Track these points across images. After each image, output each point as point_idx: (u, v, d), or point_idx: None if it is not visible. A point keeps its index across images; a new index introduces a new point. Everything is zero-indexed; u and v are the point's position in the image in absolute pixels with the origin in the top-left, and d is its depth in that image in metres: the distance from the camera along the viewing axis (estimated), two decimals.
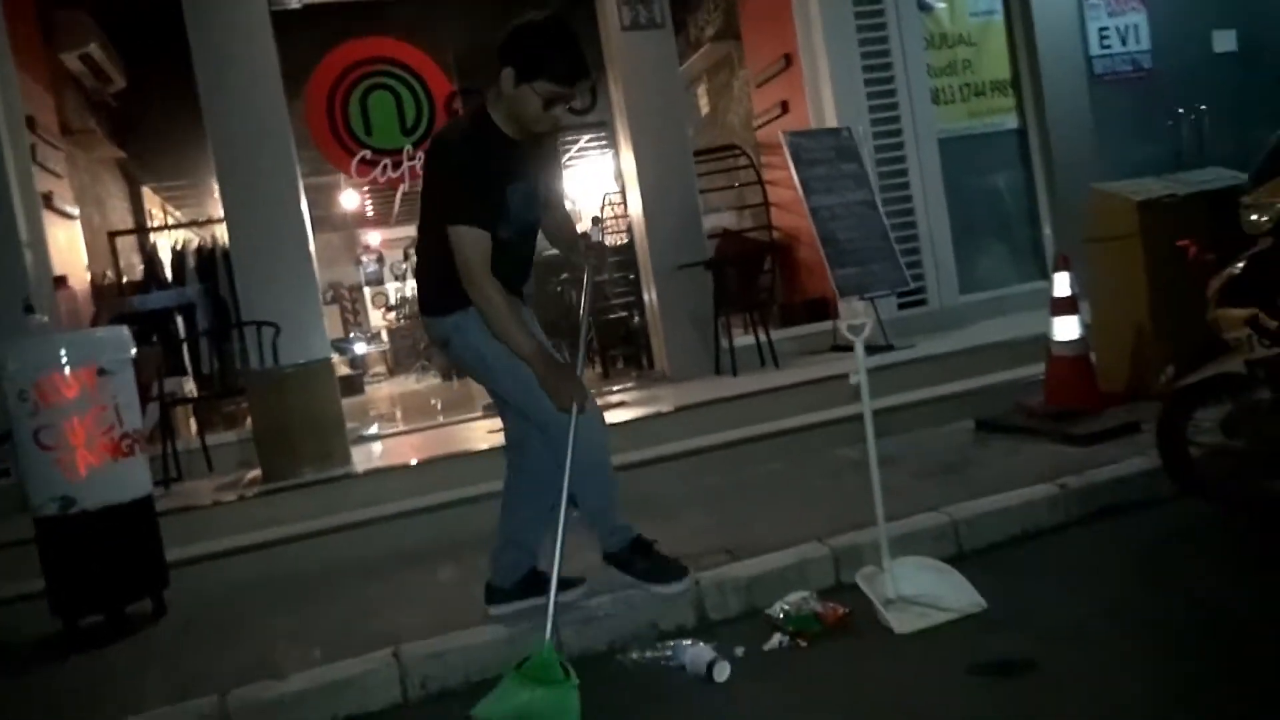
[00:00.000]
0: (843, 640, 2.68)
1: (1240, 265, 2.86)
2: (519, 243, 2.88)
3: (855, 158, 6.51)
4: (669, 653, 2.71)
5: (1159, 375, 3.25)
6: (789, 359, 6.23)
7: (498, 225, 2.73)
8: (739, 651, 2.68)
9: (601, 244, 3.02)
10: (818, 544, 3.17)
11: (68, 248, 6.55)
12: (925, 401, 4.95)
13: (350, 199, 12.50)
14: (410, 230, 17.79)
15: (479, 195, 2.69)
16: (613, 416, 5.21)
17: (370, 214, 15.62)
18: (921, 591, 2.82)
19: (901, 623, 2.69)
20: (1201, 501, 3.25)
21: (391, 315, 17.06)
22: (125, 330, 3.63)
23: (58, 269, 5.85)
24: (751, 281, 6.77)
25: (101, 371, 3.44)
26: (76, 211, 6.99)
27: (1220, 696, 2.13)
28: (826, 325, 6.64)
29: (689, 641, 2.73)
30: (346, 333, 16.27)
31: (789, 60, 7.17)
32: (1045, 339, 4.47)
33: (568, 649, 2.84)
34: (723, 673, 2.56)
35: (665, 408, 5.28)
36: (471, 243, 2.68)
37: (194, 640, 3.26)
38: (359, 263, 18.10)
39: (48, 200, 6.05)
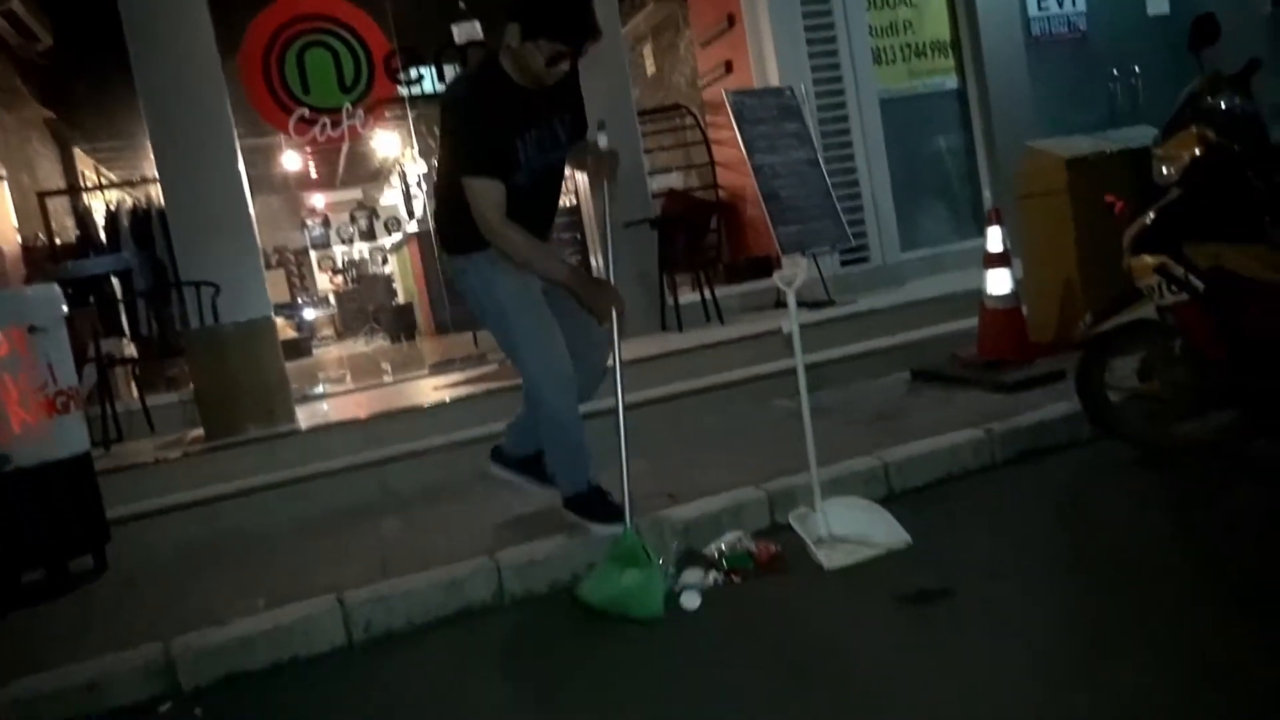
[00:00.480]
0: (775, 577, 2.78)
1: (1151, 215, 2.98)
2: (539, 186, 2.94)
3: (798, 117, 6.57)
4: None
5: (1079, 324, 3.37)
6: (733, 315, 6.32)
7: (512, 173, 2.82)
8: (677, 590, 2.77)
9: (614, 150, 3.05)
10: (753, 488, 3.26)
11: None
12: (864, 354, 5.07)
13: (292, 160, 12.27)
14: (355, 193, 17.56)
15: (488, 147, 2.78)
16: None
17: (314, 176, 15.34)
18: (851, 530, 2.93)
19: (831, 559, 2.80)
20: (1118, 444, 3.41)
21: (339, 279, 16.83)
22: (56, 288, 3.58)
23: None
24: (697, 240, 6.83)
25: (32, 329, 3.40)
26: (3, 172, 6.79)
27: (1125, 620, 2.26)
28: (770, 282, 6.70)
29: None
30: (293, 297, 16.03)
31: (732, 20, 7.18)
32: (980, 292, 4.60)
33: (508, 591, 2.92)
34: (691, 601, 2.66)
35: (611, 362, 5.32)
36: (483, 193, 2.79)
37: (136, 594, 3.27)
38: (304, 226, 17.80)
39: None
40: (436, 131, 12.29)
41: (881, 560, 2.78)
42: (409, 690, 2.46)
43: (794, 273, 3.01)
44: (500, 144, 2.79)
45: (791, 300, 2.96)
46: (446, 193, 2.97)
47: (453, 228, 3.02)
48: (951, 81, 7.37)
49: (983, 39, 7.16)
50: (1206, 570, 2.44)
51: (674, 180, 8.29)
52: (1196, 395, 3.19)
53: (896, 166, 7.08)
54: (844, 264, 6.76)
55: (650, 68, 10.13)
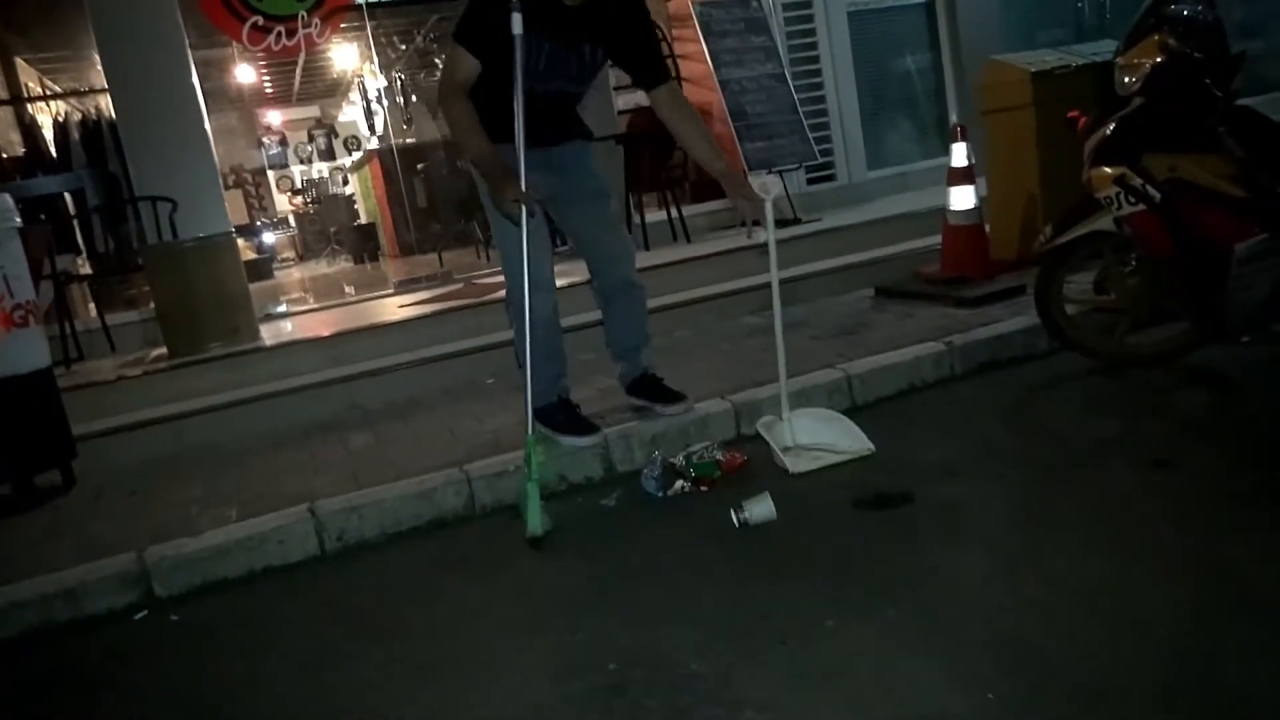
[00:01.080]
0: (741, 484, 2.86)
1: (1111, 126, 3.00)
2: (539, 106, 2.80)
3: (765, 30, 6.50)
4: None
5: (1039, 237, 3.43)
6: (700, 234, 6.32)
7: (501, 66, 2.72)
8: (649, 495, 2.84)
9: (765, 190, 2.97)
10: (720, 400, 3.32)
11: None
12: (829, 271, 5.11)
13: (246, 74, 11.87)
14: (313, 110, 17.06)
15: (488, 19, 2.70)
16: None
17: (270, 91, 14.87)
18: (816, 439, 3.00)
19: (796, 465, 2.88)
20: (1075, 356, 3.50)
21: (298, 200, 16.48)
22: (8, 198, 3.49)
23: None
24: (663, 158, 6.77)
25: None
26: None
27: (1076, 513, 2.36)
28: None
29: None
30: (251, 218, 15.69)
31: None
32: (944, 209, 4.64)
33: (479, 500, 2.97)
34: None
35: (577, 279, 5.31)
36: (454, 62, 2.78)
37: (106, 508, 3.28)
38: (261, 145, 17.31)
39: None
40: (398, 42, 11.82)
41: (843, 466, 2.87)
42: (383, 595, 2.52)
43: (774, 182, 3.01)
44: (499, 29, 2.67)
45: (769, 209, 2.96)
46: (440, 77, 2.97)
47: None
48: None
49: None
50: (1153, 466, 2.55)
51: (639, 97, 8.15)
52: (1150, 306, 3.28)
53: (864, 83, 7.04)
54: (810, 182, 6.76)
55: None
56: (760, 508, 2.53)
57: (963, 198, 4.52)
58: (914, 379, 3.53)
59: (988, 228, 4.66)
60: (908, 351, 3.60)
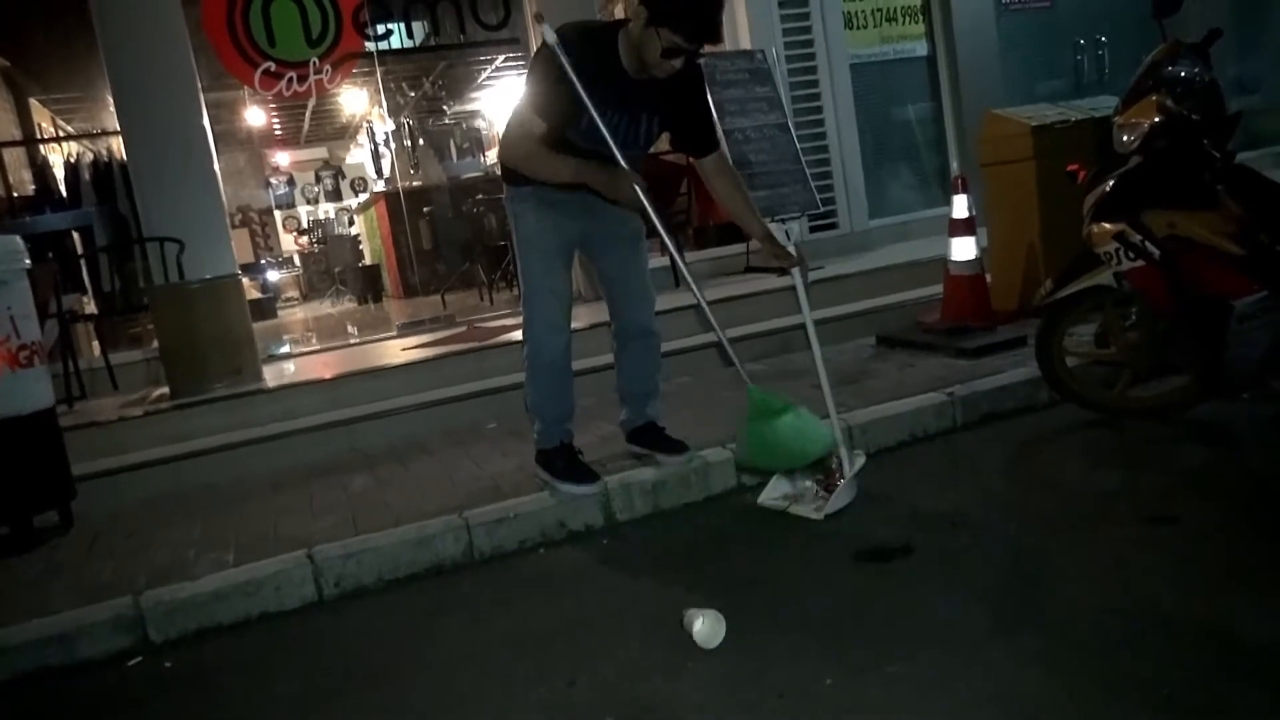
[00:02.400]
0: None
1: (1111, 183, 3.04)
2: (596, 158, 2.83)
3: (769, 81, 6.58)
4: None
5: (1040, 290, 3.45)
6: (702, 280, 6.31)
7: (569, 138, 2.80)
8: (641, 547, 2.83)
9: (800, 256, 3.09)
10: (721, 449, 3.32)
11: None
12: (831, 319, 5.11)
13: (256, 116, 12.04)
14: (321, 151, 17.27)
15: (556, 95, 2.73)
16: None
17: (279, 133, 15.07)
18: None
19: (819, 509, 2.88)
20: (1076, 408, 3.50)
21: (304, 239, 16.60)
22: (18, 239, 3.52)
23: None
24: (666, 204, 6.84)
25: None
26: None
27: (1073, 571, 2.35)
28: (740, 248, 6.76)
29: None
30: (257, 257, 15.80)
31: None
32: (945, 260, 4.67)
33: (478, 548, 2.96)
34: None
35: (579, 325, 5.33)
36: (526, 123, 2.79)
37: (104, 549, 3.26)
38: (268, 185, 17.50)
39: None
40: (406, 88, 11.93)
41: (842, 516, 2.86)
42: (381, 641, 2.50)
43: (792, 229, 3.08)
44: (568, 103, 2.73)
45: (799, 280, 3.04)
46: (506, 129, 2.99)
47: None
48: (922, 48, 7.39)
49: (953, 5, 7.17)
50: (1154, 522, 2.54)
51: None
52: (1151, 361, 3.28)
53: (866, 132, 7.11)
54: (813, 230, 6.80)
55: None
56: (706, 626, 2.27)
57: (964, 248, 4.56)
58: (915, 429, 3.53)
59: (989, 278, 4.69)
60: (909, 402, 3.60)
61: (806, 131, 6.78)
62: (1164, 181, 2.93)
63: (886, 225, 7.11)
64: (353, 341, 6.49)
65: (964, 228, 4.56)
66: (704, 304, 3.07)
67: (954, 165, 7.36)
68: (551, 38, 2.69)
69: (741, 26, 6.76)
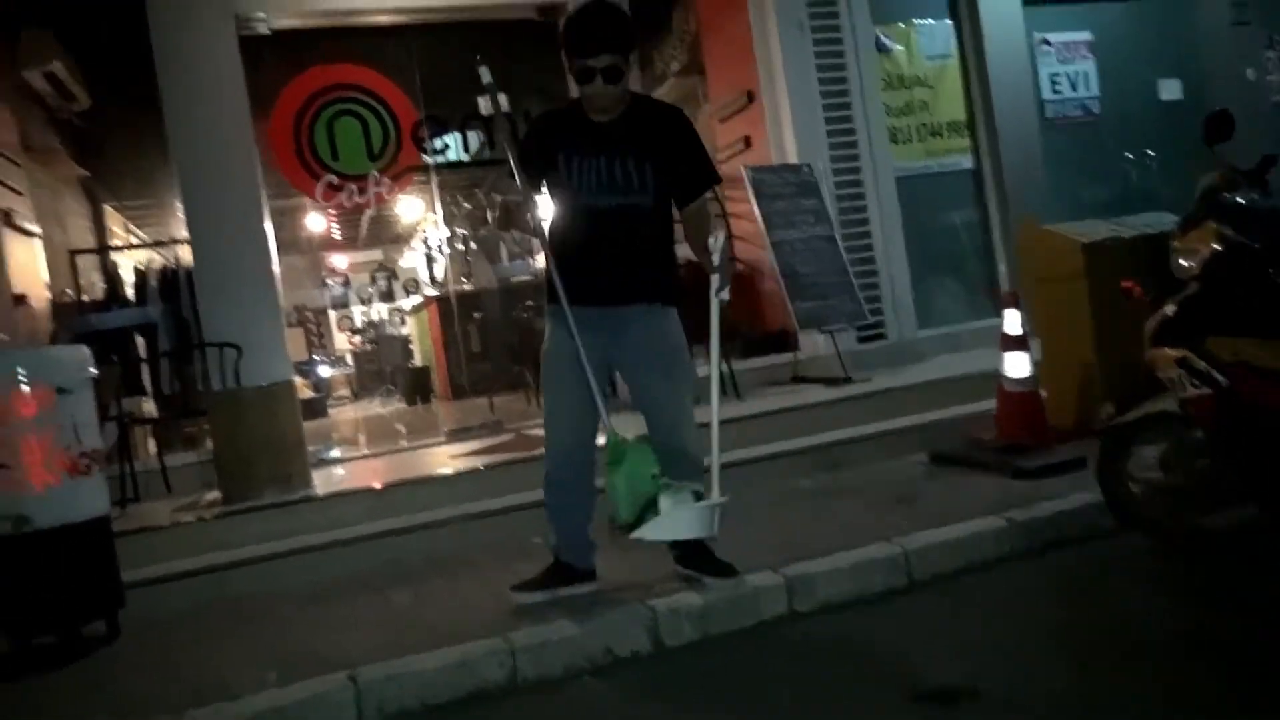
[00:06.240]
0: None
1: (1172, 308, 2.99)
2: (608, 224, 3.03)
3: (815, 193, 6.69)
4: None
5: (1100, 412, 3.37)
6: (750, 389, 6.33)
7: (556, 190, 3.08)
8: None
9: (735, 259, 3.20)
10: (771, 573, 3.23)
11: (27, 265, 6.50)
12: (881, 434, 5.05)
13: (316, 222, 12.47)
14: (376, 254, 17.77)
15: (526, 148, 3.08)
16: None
17: (337, 236, 15.57)
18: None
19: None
20: (1140, 535, 3.37)
21: (357, 339, 16.96)
22: (85, 349, 3.63)
23: (17, 287, 5.80)
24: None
25: (60, 390, 3.44)
26: (38, 229, 6.93)
27: (1149, 714, 2.22)
28: (787, 357, 6.76)
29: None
30: (310, 355, 16.14)
31: (751, 96, 7.32)
32: (997, 374, 4.60)
33: (521, 674, 2.88)
34: None
35: (626, 435, 5.32)
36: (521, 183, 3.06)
37: (148, 662, 3.24)
38: (324, 285, 17.99)
39: (7, 217, 6.01)
40: (460, 198, 12.38)
41: (895, 648, 2.75)
42: None
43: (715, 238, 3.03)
44: (540, 155, 3.04)
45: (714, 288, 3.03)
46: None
47: (666, 269, 3.20)
48: (967, 161, 7.48)
49: (997, 120, 7.29)
50: (1223, 659, 2.40)
51: (688, 251, 8.38)
52: (1219, 488, 3.17)
53: (912, 244, 7.15)
54: (860, 340, 6.78)
55: None
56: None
57: (1018, 364, 4.49)
58: (973, 556, 3.42)
59: (1043, 394, 4.61)
60: (967, 526, 3.50)
61: (853, 243, 6.84)
62: (1227, 307, 2.88)
63: (935, 336, 7.07)
64: (402, 448, 6.53)
65: (1017, 343, 4.50)
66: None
67: (1003, 277, 7.35)
68: (504, 105, 3.17)
69: (789, 140, 6.91)
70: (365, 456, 6.26)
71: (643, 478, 3.02)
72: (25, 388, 3.35)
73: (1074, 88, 7.69)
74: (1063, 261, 4.61)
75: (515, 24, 6.81)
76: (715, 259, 2.99)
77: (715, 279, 3.03)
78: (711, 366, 3.13)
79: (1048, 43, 7.64)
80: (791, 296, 6.23)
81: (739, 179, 6.74)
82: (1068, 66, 7.65)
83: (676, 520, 2.96)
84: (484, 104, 6.01)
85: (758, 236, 6.65)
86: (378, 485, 4.82)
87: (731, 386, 6.28)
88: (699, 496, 3.01)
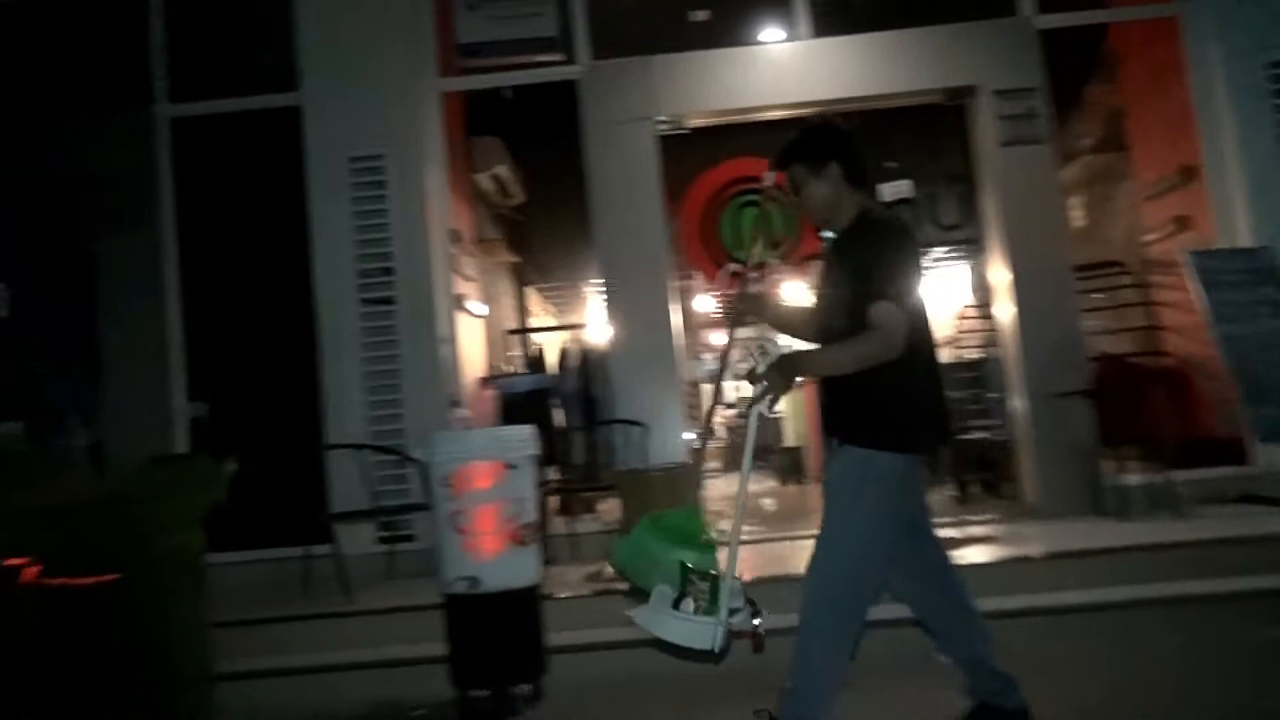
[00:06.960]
0: None
1: None
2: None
3: (1276, 281, 5.74)
4: None
5: None
6: (1187, 506, 5.48)
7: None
8: None
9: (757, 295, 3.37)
10: None
11: (473, 343, 7.44)
12: None
13: (705, 303, 13.10)
14: (751, 331, 18.28)
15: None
16: (971, 554, 4.88)
17: (717, 315, 16.22)
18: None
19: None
20: None
21: (730, 413, 17.47)
22: (531, 429, 3.99)
23: (465, 363, 6.63)
24: (1139, 412, 6.11)
25: (509, 465, 3.81)
26: (486, 310, 7.93)
27: None
28: (1232, 470, 5.80)
29: None
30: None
31: (1187, 173, 6.52)
32: None
33: None
34: None
35: (1033, 551, 4.83)
36: (901, 306, 2.76)
37: None
38: (698, 359, 18.78)
39: (459, 302, 6.93)
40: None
41: None
42: None
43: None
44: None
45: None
46: (881, 315, 2.71)
47: (859, 404, 2.83)
48: None
49: None
50: None
51: (1103, 342, 7.59)
52: None
53: None
54: None
55: (1079, 220, 9.52)
56: None
57: None
58: None
59: None
60: None
61: None
62: None
63: None
64: (777, 536, 6.42)
65: None
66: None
67: None
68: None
69: (1240, 220, 6.02)
70: (754, 541, 6.24)
71: (653, 541, 2.84)
72: (482, 462, 3.75)
73: None
74: None
75: (919, 110, 6.69)
76: (759, 365, 2.76)
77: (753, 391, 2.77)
78: (742, 474, 3.03)
79: None
80: (1245, 400, 5.35)
81: (1169, 263, 6.02)
82: None
83: (657, 615, 2.69)
84: (887, 191, 5.94)
85: (1194, 328, 5.85)
86: (748, 578, 4.74)
87: (1168, 502, 5.48)
88: (752, 606, 2.78)
